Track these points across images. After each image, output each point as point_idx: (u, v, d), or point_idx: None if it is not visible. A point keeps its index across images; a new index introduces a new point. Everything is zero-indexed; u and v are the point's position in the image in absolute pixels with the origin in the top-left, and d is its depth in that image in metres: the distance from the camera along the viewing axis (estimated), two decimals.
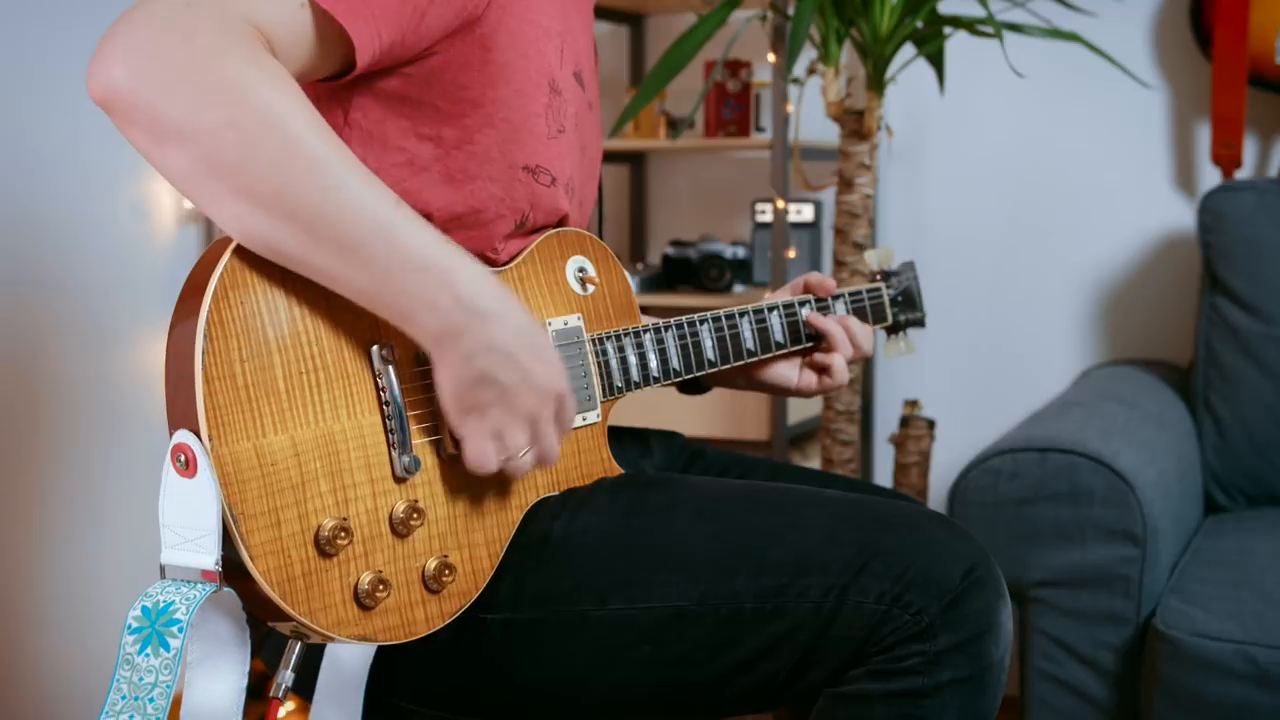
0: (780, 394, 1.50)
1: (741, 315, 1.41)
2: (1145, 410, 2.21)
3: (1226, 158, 2.51)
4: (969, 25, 2.26)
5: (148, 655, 1.01)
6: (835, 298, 1.49)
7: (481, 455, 1.11)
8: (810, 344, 1.47)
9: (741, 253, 2.75)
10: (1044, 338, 2.80)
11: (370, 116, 1.17)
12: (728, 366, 1.40)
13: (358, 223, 1.02)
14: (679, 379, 1.35)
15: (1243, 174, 2.59)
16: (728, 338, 1.39)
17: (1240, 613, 1.79)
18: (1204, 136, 2.65)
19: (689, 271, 2.76)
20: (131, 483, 2.44)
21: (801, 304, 1.46)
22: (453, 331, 1.06)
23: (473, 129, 1.19)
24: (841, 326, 1.46)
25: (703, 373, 1.38)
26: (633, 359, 1.31)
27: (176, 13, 0.99)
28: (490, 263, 1.23)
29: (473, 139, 1.19)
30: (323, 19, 1.06)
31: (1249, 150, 2.62)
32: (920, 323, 1.63)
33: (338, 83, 1.14)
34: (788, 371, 1.48)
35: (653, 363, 1.32)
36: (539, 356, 1.11)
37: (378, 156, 1.18)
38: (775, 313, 1.44)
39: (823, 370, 1.47)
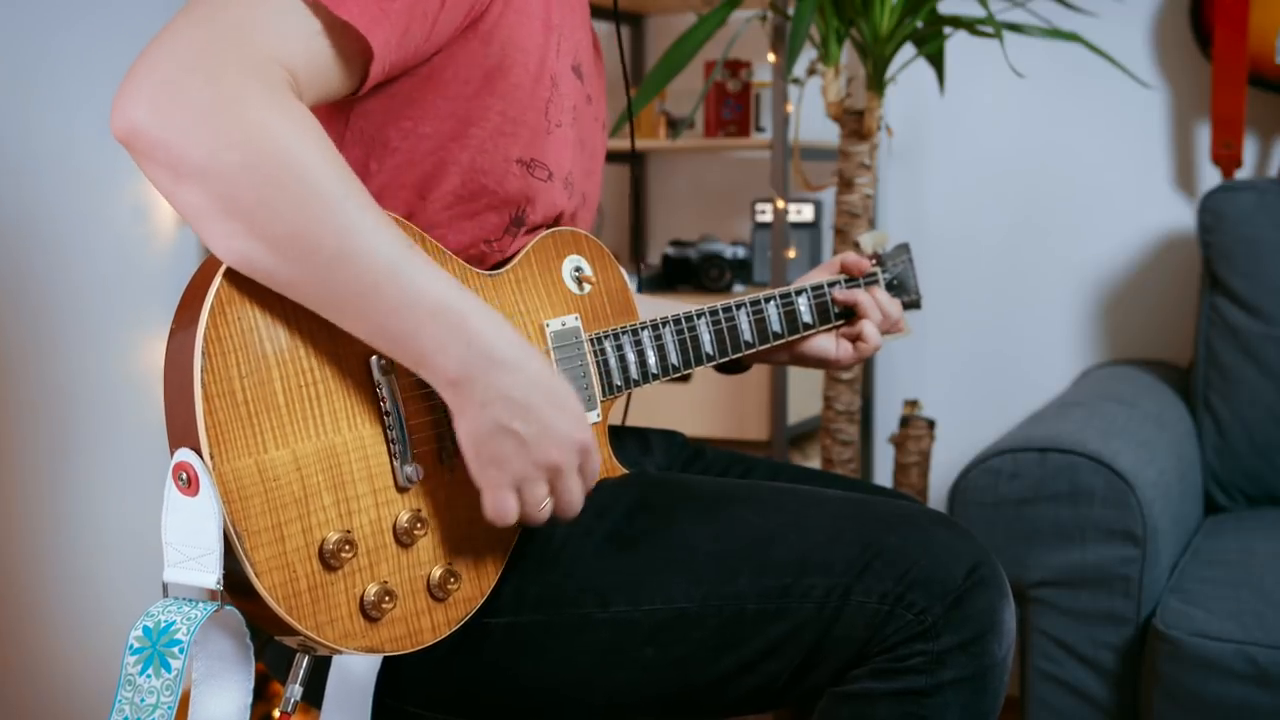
0: (821, 366, 1.52)
1: (739, 308, 1.41)
2: (1145, 410, 2.21)
3: (1226, 158, 2.51)
4: (969, 25, 2.26)
5: (149, 676, 1.01)
6: (800, 292, 1.48)
7: (500, 508, 1.10)
8: (841, 321, 1.51)
9: (741, 253, 2.76)
10: (1044, 338, 2.81)
11: (373, 122, 1.17)
12: (758, 350, 1.43)
13: (372, 267, 1.02)
14: (678, 375, 1.36)
15: (1243, 174, 2.60)
16: (725, 330, 1.39)
17: (1240, 613, 1.80)
18: (1204, 136, 2.65)
19: (689, 271, 2.76)
20: (131, 484, 2.45)
21: (815, 288, 1.48)
22: (467, 378, 1.05)
23: (469, 122, 1.19)
24: (869, 295, 1.50)
25: (708, 364, 1.38)
26: (631, 357, 1.31)
27: (198, 52, 0.99)
28: (485, 257, 1.24)
29: (468, 132, 1.19)
30: (341, 38, 1.06)
31: (1249, 150, 2.62)
32: (916, 305, 1.63)
33: (349, 97, 1.14)
34: (825, 343, 1.50)
35: (651, 359, 1.32)
36: (560, 407, 1.10)
37: (379, 159, 1.18)
38: (772, 303, 1.45)
39: (856, 338, 1.50)
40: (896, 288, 1.60)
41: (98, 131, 2.37)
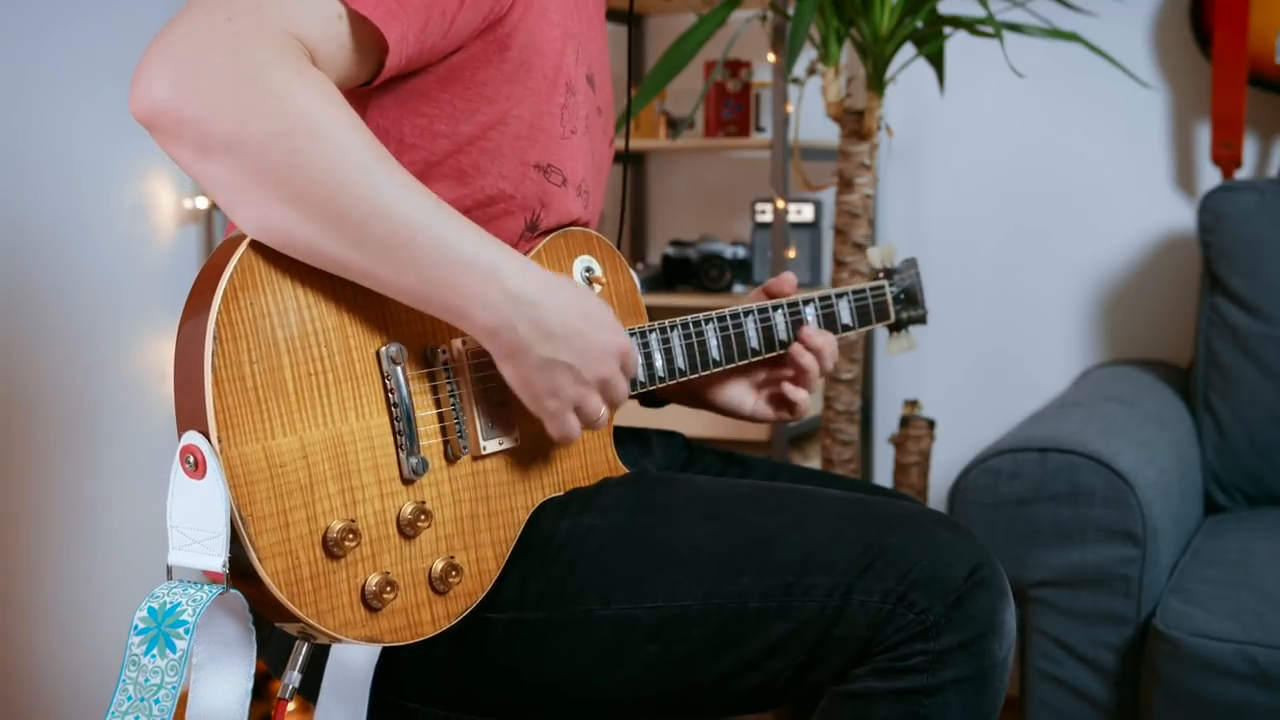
0: (733, 416, 1.47)
1: (746, 314, 1.41)
2: (1145, 410, 2.21)
3: (1226, 158, 2.52)
4: (969, 25, 2.26)
5: (154, 656, 1.01)
6: (807, 302, 1.46)
7: (565, 430, 1.16)
8: (780, 351, 1.43)
9: (741, 253, 2.75)
10: (1044, 338, 2.81)
11: (389, 116, 1.17)
12: (696, 376, 1.37)
13: (404, 223, 1.04)
14: (685, 378, 1.35)
15: (1243, 174, 2.60)
16: (732, 337, 1.39)
17: (1240, 613, 1.80)
18: (1204, 136, 2.65)
19: (689, 271, 2.76)
20: (131, 482, 2.45)
21: (791, 305, 1.43)
22: (507, 324, 1.08)
23: (487, 125, 1.19)
24: (813, 355, 1.42)
25: (700, 374, 1.37)
26: (638, 359, 1.31)
27: (218, 28, 0.99)
28: None
29: (486, 135, 1.19)
30: (359, 27, 1.07)
31: (1249, 150, 2.62)
32: (922, 319, 1.63)
33: (365, 88, 1.14)
34: (740, 394, 1.45)
35: (658, 362, 1.32)
36: (595, 322, 1.14)
37: (394, 155, 1.18)
38: (779, 311, 1.43)
39: (786, 404, 1.44)
40: (904, 301, 1.60)
41: (97, 130, 2.37)
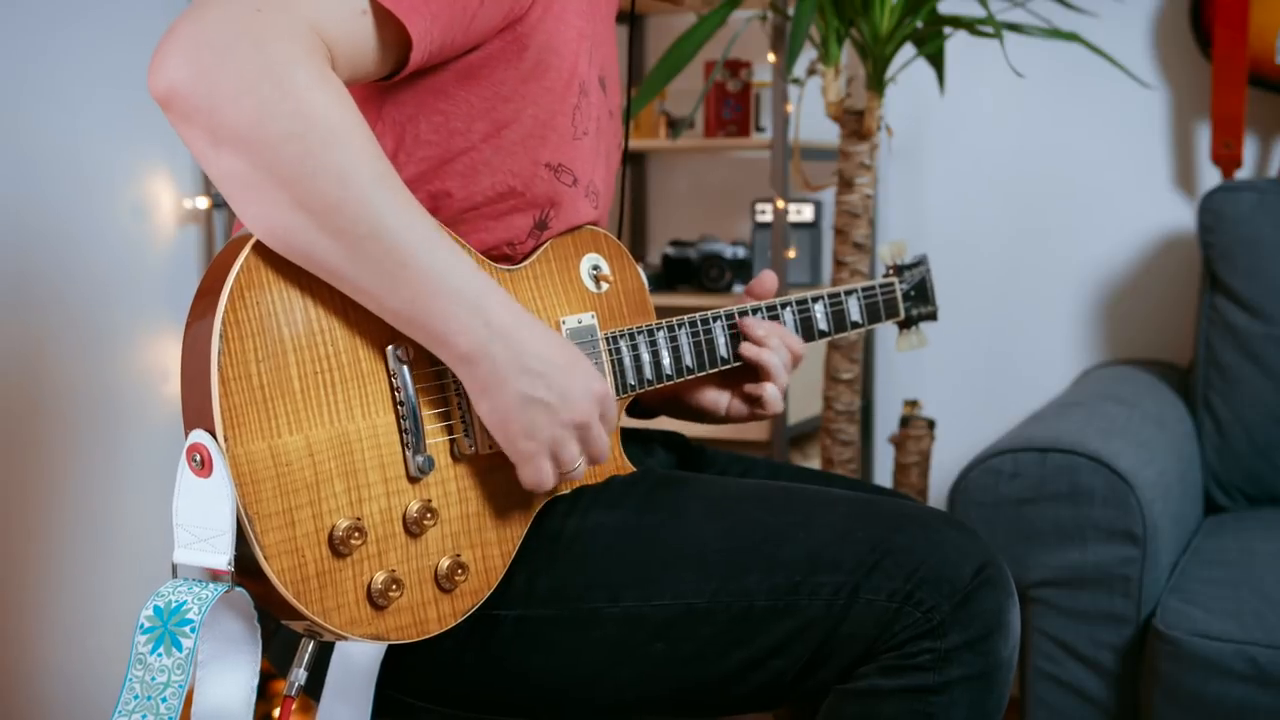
0: (711, 421, 1.44)
1: (754, 312, 1.40)
2: (1145, 410, 2.21)
3: (1226, 158, 2.52)
4: (969, 25, 2.26)
5: (160, 655, 1.01)
6: (816, 299, 1.45)
7: (539, 476, 1.13)
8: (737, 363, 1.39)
9: (741, 253, 2.76)
10: (1044, 338, 2.81)
11: (404, 111, 1.18)
12: (665, 385, 1.34)
13: (403, 245, 1.04)
14: (693, 375, 1.35)
15: (1243, 174, 2.60)
16: (741, 335, 1.39)
17: (1240, 613, 1.80)
18: (1204, 136, 2.65)
19: (689, 271, 2.76)
20: (133, 482, 2.44)
21: (755, 310, 1.41)
22: (486, 354, 1.08)
23: (501, 123, 1.20)
24: (775, 353, 1.38)
25: (709, 371, 1.37)
26: (646, 357, 1.31)
27: (247, 17, 0.99)
28: (508, 259, 1.24)
29: (500, 133, 1.20)
30: (383, 22, 1.07)
31: (1249, 150, 2.62)
32: (933, 316, 1.63)
33: (383, 83, 1.15)
34: (716, 397, 1.42)
35: (666, 360, 1.32)
36: (573, 364, 1.13)
37: (409, 151, 1.18)
38: (788, 309, 1.43)
39: (754, 401, 1.40)
40: (915, 298, 1.60)
41: (99, 131, 2.37)
